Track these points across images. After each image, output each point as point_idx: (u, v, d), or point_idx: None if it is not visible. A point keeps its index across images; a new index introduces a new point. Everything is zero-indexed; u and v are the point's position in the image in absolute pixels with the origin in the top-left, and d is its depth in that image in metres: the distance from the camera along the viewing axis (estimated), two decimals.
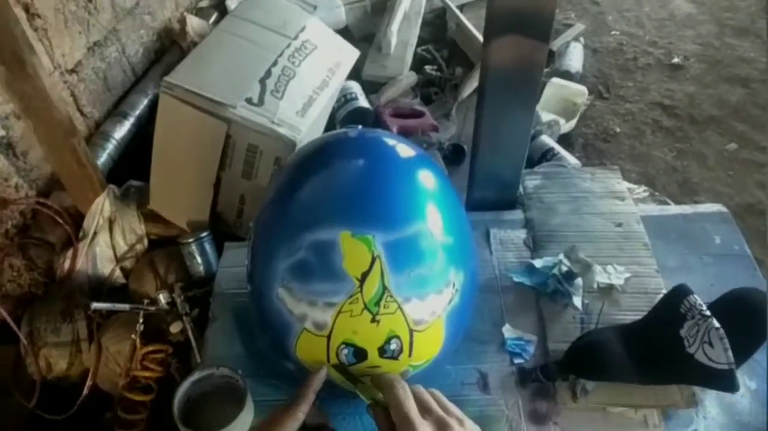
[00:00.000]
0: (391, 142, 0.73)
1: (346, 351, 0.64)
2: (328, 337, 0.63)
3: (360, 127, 0.75)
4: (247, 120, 1.07)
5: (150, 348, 1.09)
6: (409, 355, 0.65)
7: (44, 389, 1.13)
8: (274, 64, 1.15)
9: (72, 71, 1.36)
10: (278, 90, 1.11)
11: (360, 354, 0.64)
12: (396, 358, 0.64)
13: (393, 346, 0.64)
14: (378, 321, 0.62)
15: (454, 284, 0.65)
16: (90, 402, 1.12)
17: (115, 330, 1.11)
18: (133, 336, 1.08)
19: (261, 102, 1.09)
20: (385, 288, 0.61)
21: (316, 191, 0.67)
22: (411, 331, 0.63)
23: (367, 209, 0.63)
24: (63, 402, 1.11)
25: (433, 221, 0.65)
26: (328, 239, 0.61)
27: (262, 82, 1.12)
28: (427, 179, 0.69)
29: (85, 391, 1.10)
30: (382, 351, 0.63)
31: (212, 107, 1.07)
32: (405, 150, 0.72)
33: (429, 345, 0.67)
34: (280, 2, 1.28)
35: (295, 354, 0.67)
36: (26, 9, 1.20)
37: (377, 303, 0.61)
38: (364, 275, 0.60)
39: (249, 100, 1.09)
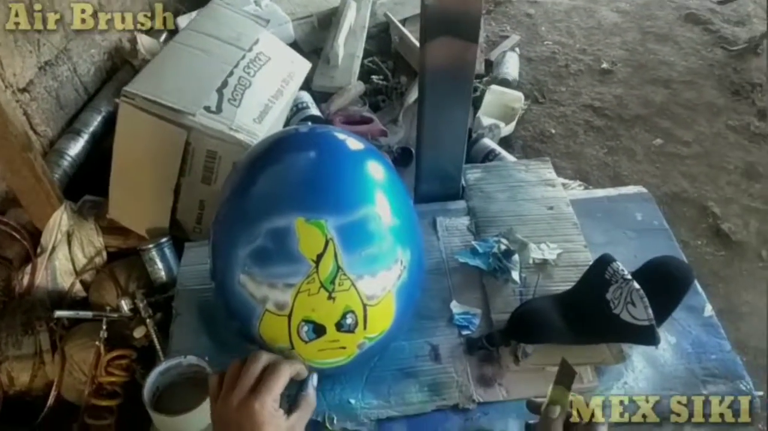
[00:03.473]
0: (340, 136, 0.80)
1: (306, 328, 0.69)
2: (289, 316, 0.69)
3: (310, 123, 0.81)
4: (206, 127, 1.12)
5: (114, 354, 1.11)
6: (364, 328, 0.71)
7: (7, 403, 1.13)
8: (230, 74, 1.20)
9: (24, 90, 1.38)
10: (235, 98, 1.16)
11: (319, 329, 0.69)
12: (352, 331, 0.70)
13: (349, 320, 0.70)
14: (334, 298, 0.68)
15: (402, 262, 0.72)
16: (54, 414, 1.13)
17: (78, 339, 1.13)
18: (97, 342, 1.10)
19: (219, 110, 1.13)
20: (339, 267, 0.67)
21: (271, 182, 0.73)
22: (365, 305, 0.70)
23: (319, 195, 0.69)
24: (27, 416, 1.12)
25: (381, 205, 0.72)
26: (284, 226, 0.67)
27: (220, 91, 1.16)
28: (374, 167, 0.76)
29: (50, 402, 1.11)
30: (339, 326, 0.69)
31: (172, 115, 1.10)
32: (353, 143, 0.78)
33: (382, 318, 0.73)
34: (234, 16, 1.33)
35: (259, 335, 0.72)
36: None
37: (332, 281, 0.67)
38: (319, 257, 0.66)
39: (207, 108, 1.13)
